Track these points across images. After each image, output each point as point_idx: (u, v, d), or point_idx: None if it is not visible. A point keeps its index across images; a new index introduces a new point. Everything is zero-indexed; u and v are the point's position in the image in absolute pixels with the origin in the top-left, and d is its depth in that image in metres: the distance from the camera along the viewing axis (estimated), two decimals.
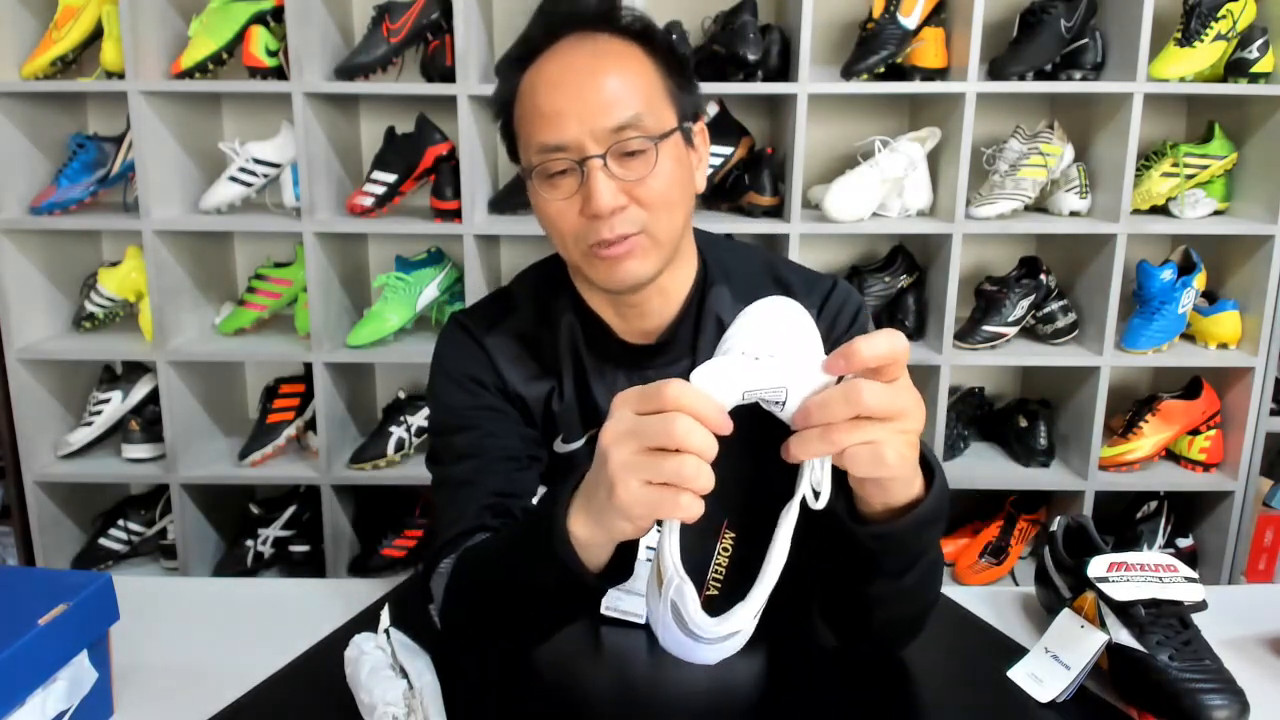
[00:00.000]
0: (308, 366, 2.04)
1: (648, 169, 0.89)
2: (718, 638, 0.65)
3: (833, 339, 1.00)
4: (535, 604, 0.80)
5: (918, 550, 0.79)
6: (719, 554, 0.80)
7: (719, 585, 0.73)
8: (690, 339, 1.00)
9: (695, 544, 0.73)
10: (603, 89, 0.88)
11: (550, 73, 0.90)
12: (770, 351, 0.67)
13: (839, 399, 0.63)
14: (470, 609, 0.88)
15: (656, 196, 0.90)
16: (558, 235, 0.93)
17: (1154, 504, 2.14)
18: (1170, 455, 2.11)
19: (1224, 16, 1.87)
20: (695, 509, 0.64)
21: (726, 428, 0.63)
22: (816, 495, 0.66)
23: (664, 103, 0.92)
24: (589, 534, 0.71)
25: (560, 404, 1.02)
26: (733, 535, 0.81)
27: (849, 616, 0.89)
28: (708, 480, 0.63)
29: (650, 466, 0.63)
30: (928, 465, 0.75)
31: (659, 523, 0.68)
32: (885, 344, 0.63)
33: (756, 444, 0.68)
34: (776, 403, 0.65)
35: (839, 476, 0.69)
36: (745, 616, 0.65)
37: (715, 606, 0.67)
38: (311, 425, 2.09)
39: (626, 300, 0.97)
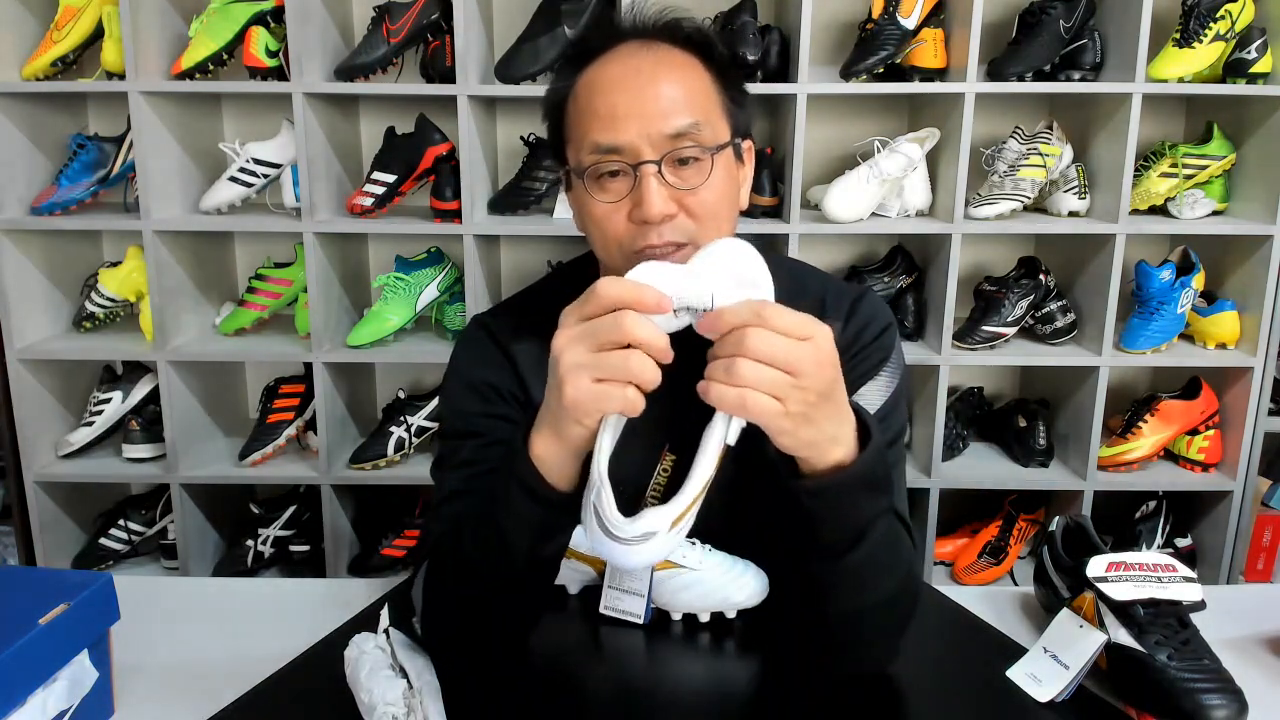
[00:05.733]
0: (308, 366, 2.04)
1: (701, 179, 0.89)
2: (633, 537, 0.69)
3: (858, 348, 0.98)
4: (514, 537, 0.80)
5: (855, 522, 0.77)
6: (659, 474, 0.90)
7: (656, 499, 0.79)
8: None
9: (639, 464, 0.81)
10: (662, 95, 0.87)
11: (611, 73, 0.90)
12: (707, 272, 0.72)
13: (731, 340, 0.67)
14: (455, 569, 0.86)
15: (706, 208, 0.89)
16: (601, 239, 0.92)
17: (1153, 504, 2.14)
18: (1169, 455, 2.12)
19: (1222, 17, 1.88)
20: (638, 402, 0.68)
21: (668, 312, 0.68)
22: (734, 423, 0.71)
23: (720, 115, 0.92)
24: (546, 447, 0.76)
25: None
26: (673, 458, 0.91)
27: (807, 612, 0.85)
28: (654, 375, 0.67)
29: (599, 363, 0.68)
30: (868, 432, 0.76)
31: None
32: (746, 312, 0.68)
33: (697, 375, 0.71)
34: (702, 310, 0.70)
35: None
36: (658, 519, 0.69)
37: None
38: (311, 425, 2.09)
39: None
